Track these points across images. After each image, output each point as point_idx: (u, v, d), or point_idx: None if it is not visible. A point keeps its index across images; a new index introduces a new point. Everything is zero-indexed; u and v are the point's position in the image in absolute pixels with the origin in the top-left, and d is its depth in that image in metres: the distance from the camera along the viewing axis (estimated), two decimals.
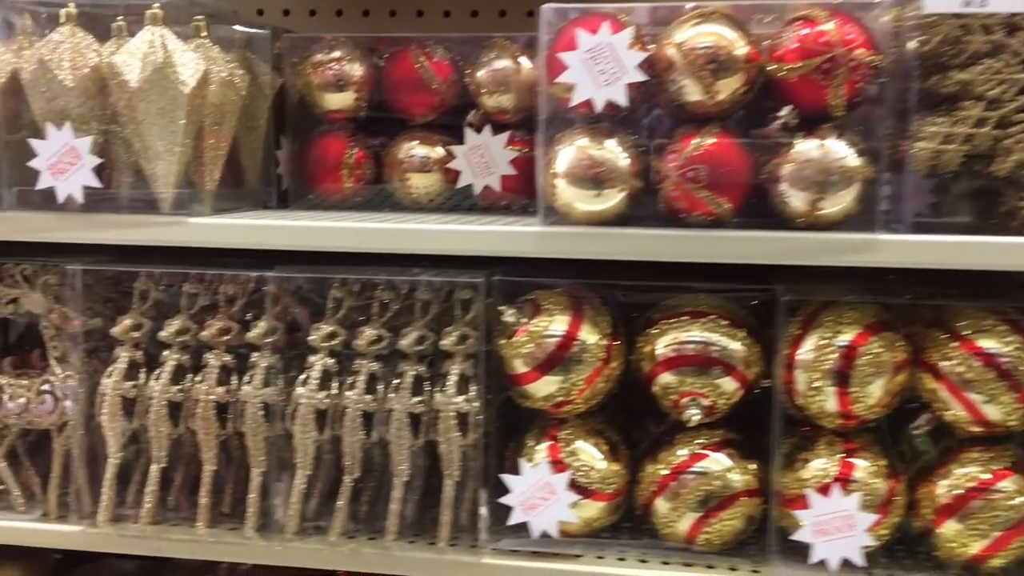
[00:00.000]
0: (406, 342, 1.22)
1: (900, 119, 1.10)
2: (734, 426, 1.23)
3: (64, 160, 1.22)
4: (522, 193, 1.36)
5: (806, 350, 1.15)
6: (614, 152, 1.12)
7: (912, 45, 1.09)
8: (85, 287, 1.29)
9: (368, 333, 1.23)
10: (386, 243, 1.20)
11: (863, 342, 1.13)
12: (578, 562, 1.20)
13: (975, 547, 1.13)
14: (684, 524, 1.19)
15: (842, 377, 1.13)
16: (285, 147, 1.48)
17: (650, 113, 1.22)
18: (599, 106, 1.11)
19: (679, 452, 1.20)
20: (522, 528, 1.20)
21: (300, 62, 1.42)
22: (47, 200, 1.24)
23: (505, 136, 1.37)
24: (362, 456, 1.23)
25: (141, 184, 1.25)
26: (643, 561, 1.21)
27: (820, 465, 1.16)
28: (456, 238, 1.19)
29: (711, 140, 1.11)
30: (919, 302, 1.19)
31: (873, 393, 1.13)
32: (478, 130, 1.38)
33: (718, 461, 1.19)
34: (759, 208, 1.13)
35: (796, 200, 1.09)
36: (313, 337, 1.24)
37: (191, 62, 1.21)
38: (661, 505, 1.20)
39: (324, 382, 1.23)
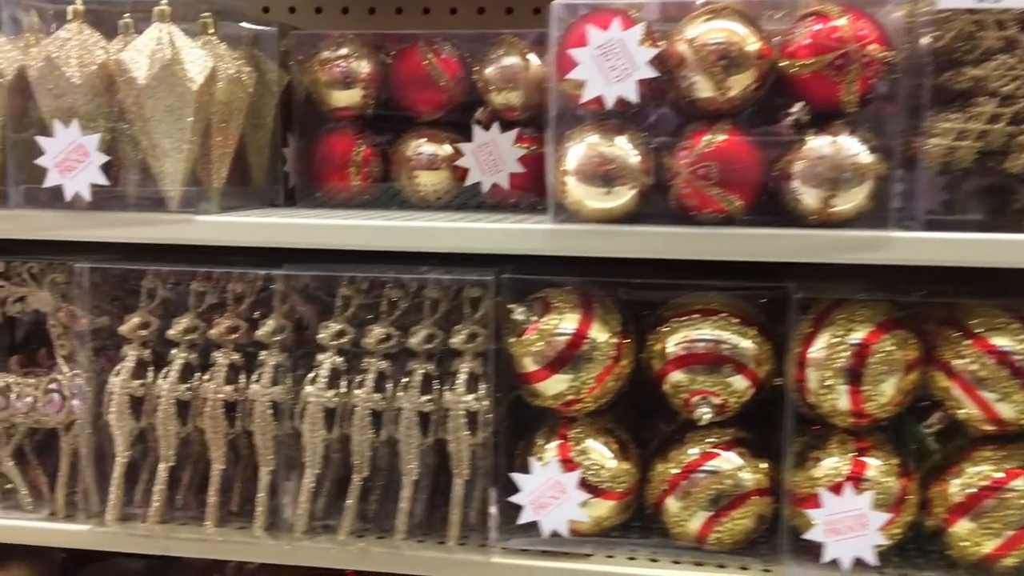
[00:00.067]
0: (415, 340, 1.22)
1: (913, 115, 1.09)
2: (745, 425, 1.22)
3: (71, 158, 1.22)
4: (530, 191, 1.35)
5: (818, 348, 1.14)
6: (624, 149, 1.12)
7: (925, 41, 1.08)
8: (92, 285, 1.29)
9: (377, 331, 1.23)
10: (394, 241, 1.20)
11: (875, 340, 1.13)
12: (588, 561, 1.20)
13: (988, 546, 1.12)
14: (695, 523, 1.18)
15: (854, 375, 1.13)
16: (292, 145, 1.47)
17: (659, 110, 1.21)
18: (610, 103, 1.11)
19: (690, 451, 1.20)
20: (532, 527, 1.20)
21: (307, 59, 1.42)
22: (54, 198, 1.24)
23: (513, 133, 1.36)
24: (371, 455, 1.23)
25: (148, 182, 1.25)
26: (654, 560, 1.20)
27: (832, 464, 1.15)
28: (465, 236, 1.18)
29: (722, 137, 1.10)
30: (932, 300, 1.18)
31: (885, 391, 1.13)
32: (486, 127, 1.37)
33: (729, 460, 1.18)
34: (770, 205, 1.13)
35: (808, 197, 1.08)
36: (322, 335, 1.23)
37: (199, 59, 1.21)
38: (672, 504, 1.19)
39: (333, 380, 1.22)
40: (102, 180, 1.22)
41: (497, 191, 1.38)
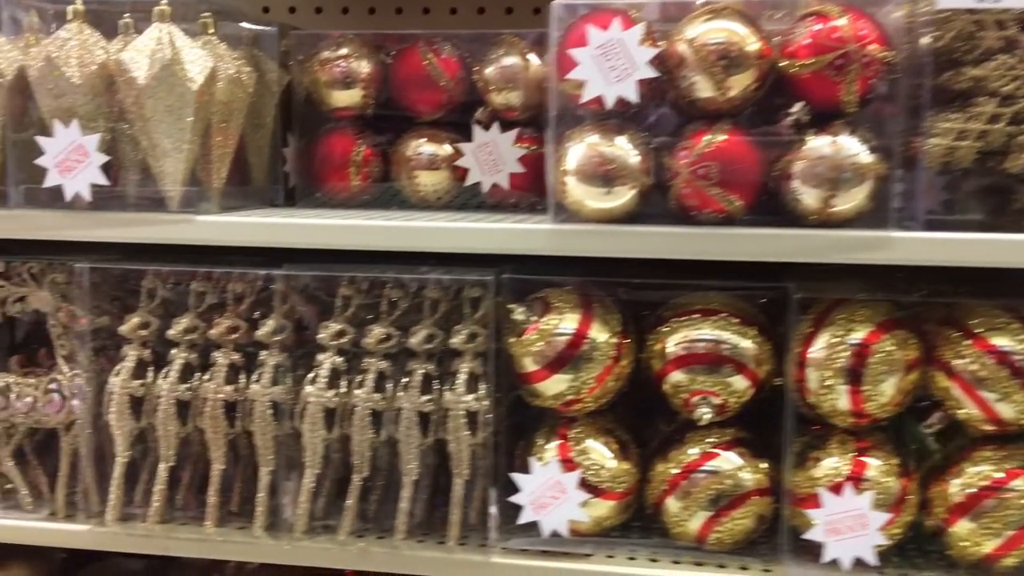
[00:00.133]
0: (415, 340, 1.22)
1: (913, 115, 1.09)
2: (745, 425, 1.22)
3: (71, 158, 1.22)
4: (530, 191, 1.35)
5: (818, 348, 1.14)
6: (624, 149, 1.12)
7: (925, 41, 1.08)
8: (92, 285, 1.29)
9: (377, 331, 1.23)
10: (394, 241, 1.20)
11: (875, 340, 1.13)
12: (588, 561, 1.20)
13: (988, 546, 1.12)
14: (695, 523, 1.18)
15: (854, 375, 1.12)
16: (292, 145, 1.47)
17: (659, 110, 1.21)
18: (610, 103, 1.10)
19: (690, 451, 1.20)
20: (532, 527, 1.20)
21: (307, 59, 1.42)
22: (54, 198, 1.23)
23: (513, 133, 1.36)
24: (371, 455, 1.23)
25: (148, 182, 1.25)
26: (654, 560, 1.20)
27: (832, 464, 1.15)
28: (465, 236, 1.18)
29: (722, 137, 1.10)
30: (932, 300, 1.18)
31: (886, 391, 1.13)
32: (486, 127, 1.37)
33: (729, 460, 1.18)
34: (770, 205, 1.13)
35: (808, 197, 1.08)
36: (322, 335, 1.23)
37: (199, 59, 1.21)
38: (672, 504, 1.19)
39: (333, 380, 1.22)
40: (102, 180, 1.22)
41: (497, 191, 1.38)
